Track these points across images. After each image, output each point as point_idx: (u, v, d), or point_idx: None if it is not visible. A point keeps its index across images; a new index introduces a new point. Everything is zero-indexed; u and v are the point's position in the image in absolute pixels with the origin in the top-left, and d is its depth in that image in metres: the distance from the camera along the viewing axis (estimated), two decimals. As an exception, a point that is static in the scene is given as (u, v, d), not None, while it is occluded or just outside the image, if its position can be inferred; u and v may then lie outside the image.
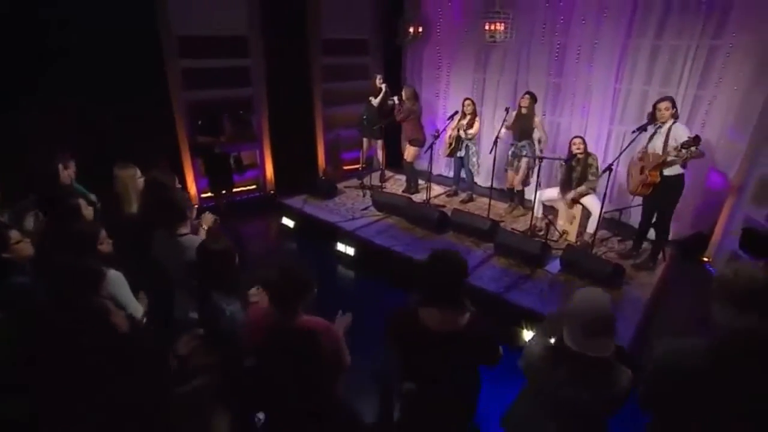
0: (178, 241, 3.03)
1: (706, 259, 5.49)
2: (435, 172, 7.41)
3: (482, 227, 5.64)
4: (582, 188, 5.45)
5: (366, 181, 7.33)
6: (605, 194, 5.11)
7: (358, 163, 7.74)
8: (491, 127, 7.20)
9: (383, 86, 7.03)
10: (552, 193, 5.77)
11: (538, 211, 5.82)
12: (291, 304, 2.39)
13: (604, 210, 5.27)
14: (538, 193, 5.71)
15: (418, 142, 6.94)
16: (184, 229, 3.10)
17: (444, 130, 6.67)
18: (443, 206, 6.52)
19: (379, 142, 7.56)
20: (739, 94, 5.32)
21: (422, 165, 7.22)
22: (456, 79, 7.72)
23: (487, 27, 5.71)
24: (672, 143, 4.63)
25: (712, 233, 5.47)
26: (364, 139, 7.43)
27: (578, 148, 5.43)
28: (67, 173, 3.95)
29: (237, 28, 6.81)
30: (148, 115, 5.85)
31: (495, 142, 5.91)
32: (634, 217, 5.79)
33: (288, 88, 7.29)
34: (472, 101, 6.49)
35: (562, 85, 6.48)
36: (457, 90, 7.67)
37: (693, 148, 4.41)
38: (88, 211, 3.40)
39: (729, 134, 5.49)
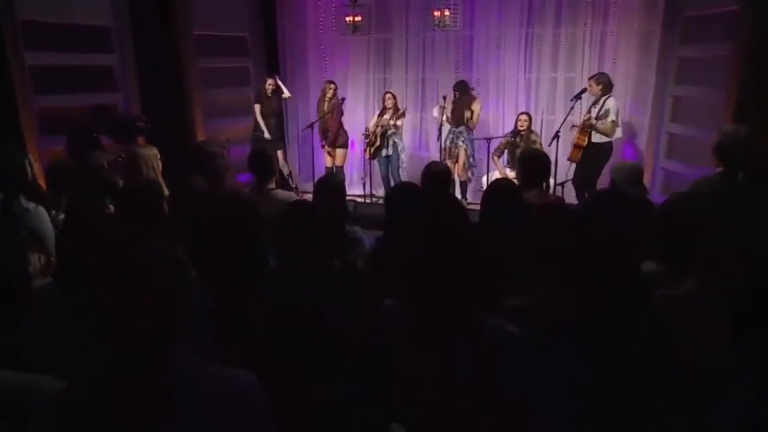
0: (271, 194, 3.40)
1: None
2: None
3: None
4: None
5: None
6: (556, 161, 5.74)
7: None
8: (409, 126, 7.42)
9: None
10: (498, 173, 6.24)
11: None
12: None
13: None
14: (487, 176, 6.12)
15: (345, 144, 6.80)
16: (272, 185, 3.54)
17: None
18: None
19: (280, 153, 7.14)
20: (632, 73, 6.60)
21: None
22: (350, 81, 7.76)
23: (436, 14, 6.03)
24: (602, 113, 5.66)
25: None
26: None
27: (522, 125, 6.01)
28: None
29: (99, 17, 5.81)
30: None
31: (439, 129, 6.17)
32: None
33: (164, 94, 6.41)
34: (393, 94, 6.66)
35: (472, 79, 7.07)
36: (354, 92, 7.72)
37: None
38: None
39: (630, 110, 6.70)
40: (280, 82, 7.02)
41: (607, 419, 1.46)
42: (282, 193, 3.53)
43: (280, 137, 7.28)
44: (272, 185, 3.53)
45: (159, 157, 3.67)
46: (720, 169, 3.72)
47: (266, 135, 6.93)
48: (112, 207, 2.91)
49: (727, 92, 5.08)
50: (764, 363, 1.37)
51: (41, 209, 2.98)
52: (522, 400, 1.48)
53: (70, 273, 2.00)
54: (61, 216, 3.15)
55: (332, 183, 3.24)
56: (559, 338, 1.56)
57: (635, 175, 3.48)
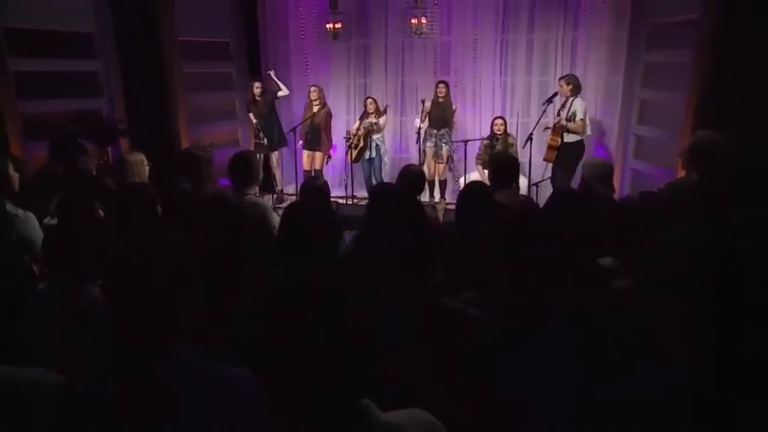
0: (244, 200, 3.27)
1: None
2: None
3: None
4: None
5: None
6: (530, 162, 5.99)
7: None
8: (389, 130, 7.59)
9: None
10: (476, 175, 6.44)
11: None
12: None
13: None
14: (464, 177, 6.33)
15: (327, 149, 6.96)
16: (251, 191, 3.45)
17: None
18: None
19: (275, 155, 7.23)
20: (602, 77, 6.87)
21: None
22: (331, 86, 7.91)
23: (413, 21, 6.21)
24: (571, 115, 5.97)
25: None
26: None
27: (499, 129, 6.24)
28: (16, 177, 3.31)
29: (82, 23, 5.90)
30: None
31: (418, 133, 6.36)
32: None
33: (148, 99, 6.50)
34: (374, 99, 6.83)
35: (450, 83, 7.26)
36: (335, 97, 7.87)
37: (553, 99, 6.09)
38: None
39: (600, 112, 6.97)
40: (275, 78, 7.11)
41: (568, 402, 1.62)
42: (252, 199, 3.40)
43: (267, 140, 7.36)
44: (250, 191, 3.39)
45: (145, 163, 3.68)
46: (685, 173, 3.83)
47: (264, 141, 7.05)
48: (101, 211, 3.00)
49: (688, 96, 5.34)
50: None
51: (30, 215, 3.01)
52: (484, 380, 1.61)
53: (64, 275, 2.09)
54: (53, 221, 3.22)
55: (317, 185, 3.39)
56: (517, 332, 1.73)
57: (605, 174, 3.63)
